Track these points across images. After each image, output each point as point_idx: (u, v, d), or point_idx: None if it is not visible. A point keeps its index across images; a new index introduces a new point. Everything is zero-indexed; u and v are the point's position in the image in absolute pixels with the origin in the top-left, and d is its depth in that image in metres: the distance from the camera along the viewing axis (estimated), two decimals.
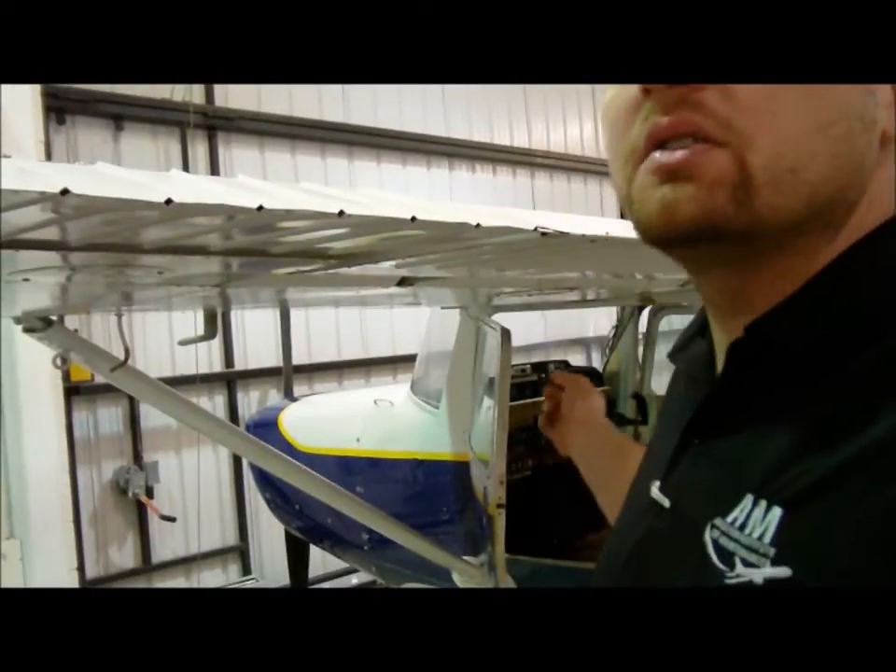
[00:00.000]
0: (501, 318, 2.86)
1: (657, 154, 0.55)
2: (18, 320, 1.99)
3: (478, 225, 1.21)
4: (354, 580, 5.94)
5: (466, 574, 2.83)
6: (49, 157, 4.85)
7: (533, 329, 7.26)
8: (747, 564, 0.53)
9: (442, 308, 3.31)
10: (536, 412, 3.46)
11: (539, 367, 3.89)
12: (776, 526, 0.52)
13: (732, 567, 0.54)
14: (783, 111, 0.53)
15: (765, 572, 0.51)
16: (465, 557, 2.87)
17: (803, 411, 0.54)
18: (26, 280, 1.33)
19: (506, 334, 2.60)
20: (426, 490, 3.15)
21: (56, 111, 5.07)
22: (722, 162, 0.53)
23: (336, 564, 5.52)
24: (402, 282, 1.89)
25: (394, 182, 6.84)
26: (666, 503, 0.66)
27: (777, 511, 0.52)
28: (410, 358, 4.52)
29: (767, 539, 0.52)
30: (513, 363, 3.08)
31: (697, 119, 0.53)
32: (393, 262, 1.57)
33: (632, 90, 0.57)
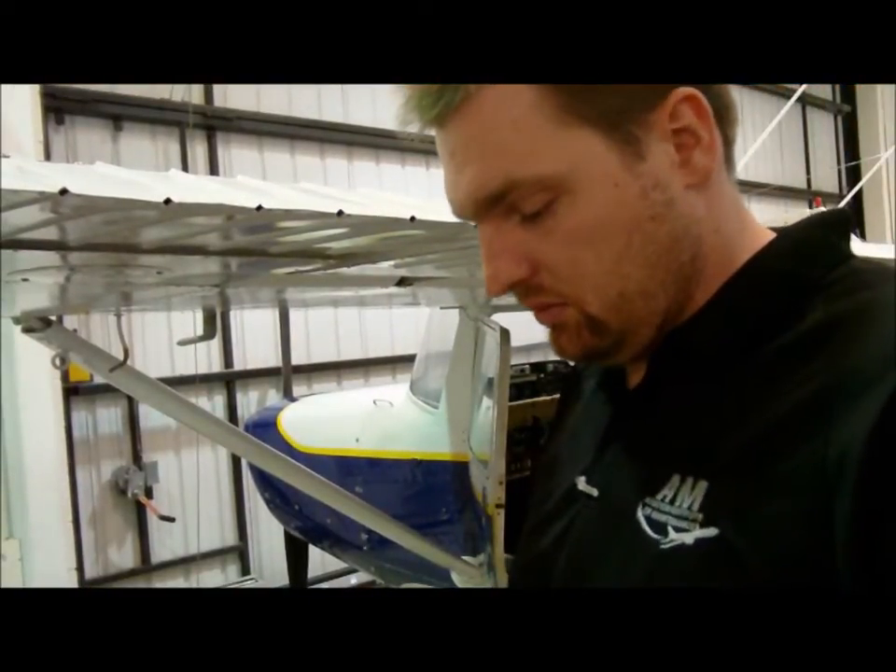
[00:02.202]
0: (501, 318, 2.86)
1: (536, 316, 0.72)
2: (17, 320, 1.99)
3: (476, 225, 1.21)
4: (353, 580, 5.93)
5: (465, 574, 2.83)
6: (47, 157, 4.83)
7: (532, 329, 7.24)
8: (678, 530, 0.61)
9: (442, 308, 3.31)
10: (535, 412, 3.47)
11: (539, 367, 3.89)
12: (702, 496, 0.60)
13: (665, 535, 0.62)
14: (585, 269, 0.66)
15: (695, 534, 0.60)
16: (464, 557, 2.87)
17: (715, 401, 0.64)
18: (25, 280, 1.33)
19: (505, 334, 2.60)
20: (425, 490, 3.15)
21: (55, 111, 5.05)
22: (572, 315, 0.69)
23: (335, 564, 5.52)
24: (401, 282, 1.89)
25: (393, 182, 6.83)
26: (595, 492, 0.73)
27: (703, 484, 0.61)
28: (409, 359, 4.52)
29: (695, 507, 0.60)
30: (512, 363, 3.08)
31: (542, 299, 0.69)
32: (392, 262, 1.57)
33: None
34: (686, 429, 0.66)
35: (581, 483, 0.75)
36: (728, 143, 0.70)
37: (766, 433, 0.58)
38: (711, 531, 0.59)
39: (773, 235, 0.70)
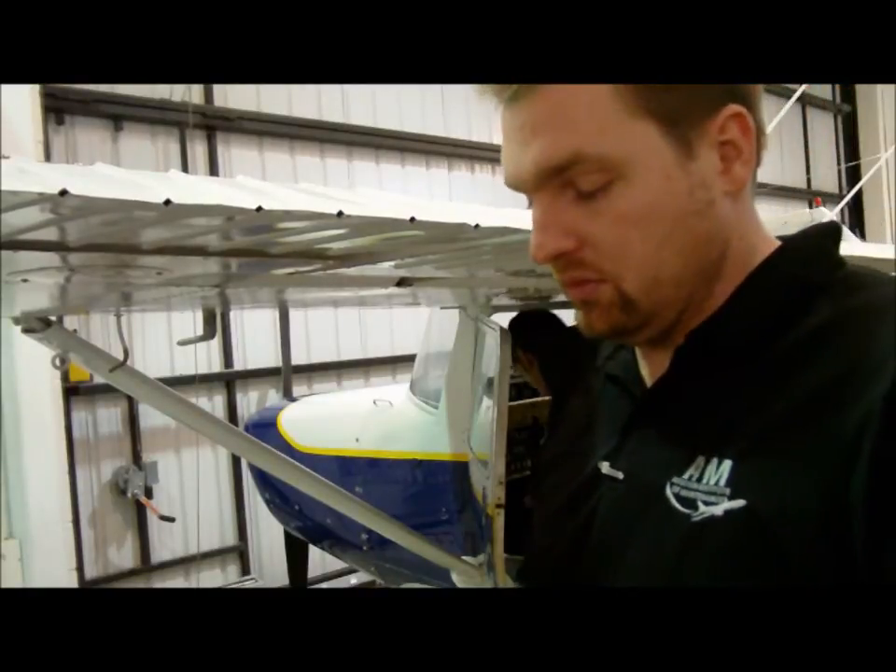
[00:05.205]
0: (501, 318, 2.86)
1: (569, 291, 0.77)
2: (17, 321, 1.99)
3: (477, 225, 1.21)
4: (353, 580, 5.93)
5: (465, 574, 2.83)
6: (47, 157, 4.83)
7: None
8: (707, 504, 0.67)
9: (442, 308, 3.31)
10: (535, 412, 3.47)
11: None
12: (728, 473, 0.67)
13: (695, 509, 0.68)
14: (629, 249, 0.71)
15: (724, 506, 0.66)
16: (464, 557, 2.87)
17: (734, 389, 0.70)
18: (25, 281, 1.33)
19: (505, 334, 2.60)
20: (425, 490, 3.15)
21: (55, 111, 5.05)
22: (607, 292, 0.74)
23: (335, 564, 5.52)
24: (401, 282, 1.89)
25: (393, 182, 6.83)
26: (620, 475, 0.80)
27: (727, 463, 0.67)
28: (409, 359, 4.52)
29: (722, 483, 0.67)
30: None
31: (581, 273, 0.74)
32: (392, 263, 1.57)
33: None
34: (708, 415, 0.72)
35: (605, 467, 0.82)
36: (757, 164, 0.76)
37: (786, 415, 0.64)
38: (739, 502, 0.65)
39: (779, 243, 0.78)
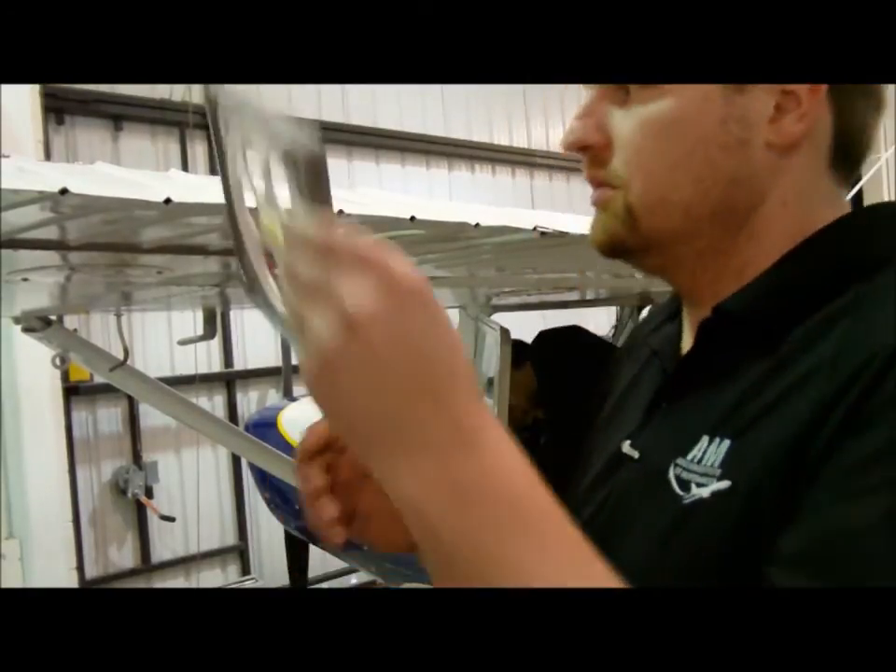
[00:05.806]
0: (501, 318, 2.86)
1: (593, 192, 0.76)
2: (17, 320, 1.99)
3: (477, 225, 1.21)
4: (353, 580, 5.93)
5: None
6: (47, 157, 4.83)
7: (533, 329, 7.25)
8: (699, 486, 0.65)
9: None
10: (535, 412, 3.47)
11: None
12: (724, 454, 0.65)
13: (688, 491, 0.66)
14: (645, 159, 0.70)
15: (711, 488, 0.64)
16: None
17: (750, 367, 0.68)
18: (25, 280, 1.33)
19: (505, 334, 2.60)
20: None
21: (55, 111, 5.05)
22: (615, 201, 0.72)
23: (335, 564, 5.52)
24: None
25: (393, 182, 6.83)
26: (636, 455, 0.77)
27: (726, 443, 0.65)
28: None
29: (716, 464, 0.65)
30: None
31: (601, 174, 0.73)
32: None
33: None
34: (719, 394, 0.69)
35: (626, 446, 0.79)
36: (845, 145, 0.71)
37: (782, 392, 0.63)
38: (724, 484, 0.63)
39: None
